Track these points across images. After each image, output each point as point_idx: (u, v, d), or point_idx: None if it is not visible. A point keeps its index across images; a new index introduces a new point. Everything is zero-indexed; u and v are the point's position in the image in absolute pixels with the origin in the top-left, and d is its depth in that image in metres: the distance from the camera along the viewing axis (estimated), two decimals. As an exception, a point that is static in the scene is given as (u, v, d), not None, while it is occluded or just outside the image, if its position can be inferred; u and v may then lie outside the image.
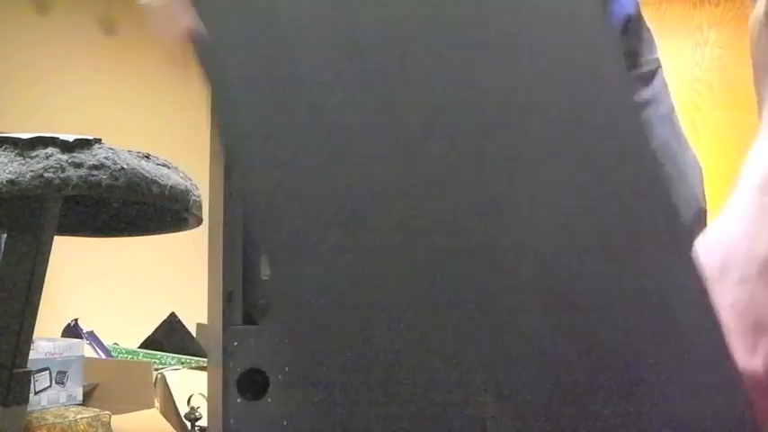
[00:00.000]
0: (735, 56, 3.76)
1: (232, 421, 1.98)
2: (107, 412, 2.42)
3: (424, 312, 0.60)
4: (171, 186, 1.59)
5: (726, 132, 3.71)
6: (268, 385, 2.02)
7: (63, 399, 2.42)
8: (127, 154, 1.53)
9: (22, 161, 1.38)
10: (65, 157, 1.41)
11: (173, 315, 3.94)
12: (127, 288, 4.25)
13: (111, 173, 1.45)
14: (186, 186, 1.67)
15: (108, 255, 3.91)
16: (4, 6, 3.99)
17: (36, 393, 2.31)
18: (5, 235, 1.68)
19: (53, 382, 2.39)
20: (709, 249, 0.72)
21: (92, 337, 3.43)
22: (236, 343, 2.01)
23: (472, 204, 0.60)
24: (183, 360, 3.48)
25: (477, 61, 0.61)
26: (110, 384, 2.72)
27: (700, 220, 1.30)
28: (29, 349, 1.73)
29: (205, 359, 3.16)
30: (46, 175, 1.38)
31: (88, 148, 1.45)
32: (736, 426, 0.64)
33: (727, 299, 0.72)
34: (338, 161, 0.59)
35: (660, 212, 0.62)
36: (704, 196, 1.40)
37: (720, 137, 3.71)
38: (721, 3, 3.81)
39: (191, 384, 2.94)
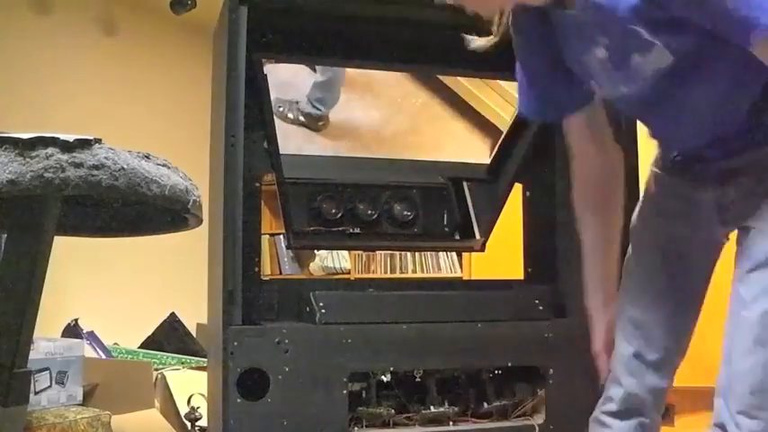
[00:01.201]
0: (735, 56, 3.74)
1: (232, 421, 1.99)
2: (107, 412, 2.42)
3: None
4: (171, 186, 1.59)
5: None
6: (268, 385, 2.02)
7: (63, 399, 2.42)
8: (127, 154, 1.53)
9: (23, 161, 1.38)
10: (65, 157, 1.40)
11: (173, 315, 3.94)
12: (127, 288, 4.24)
13: (111, 173, 1.45)
14: (186, 186, 1.67)
15: (108, 255, 3.90)
16: (4, 7, 3.98)
17: (36, 393, 2.31)
18: (5, 235, 1.68)
19: (53, 382, 2.39)
20: None
21: (92, 337, 3.43)
22: (236, 343, 2.01)
23: None
24: (183, 360, 3.48)
25: None
26: (110, 384, 2.72)
27: None
28: (29, 349, 1.73)
29: (205, 359, 3.16)
30: (46, 175, 1.38)
31: (88, 148, 1.45)
32: None
33: None
34: None
35: None
36: None
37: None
38: (721, 3, 3.80)
39: (191, 384, 2.94)
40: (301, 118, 2.57)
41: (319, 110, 2.58)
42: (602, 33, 1.22)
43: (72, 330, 3.41)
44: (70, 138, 1.43)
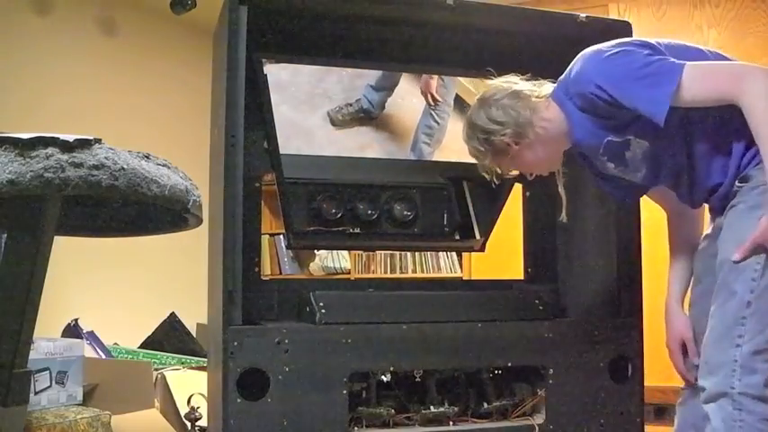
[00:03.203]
0: (735, 56, 3.73)
1: (232, 421, 1.98)
2: (107, 412, 2.42)
3: None
4: (171, 186, 1.59)
5: (726, 132, 3.70)
6: (268, 385, 2.02)
7: (63, 399, 2.42)
8: (127, 154, 1.53)
9: (22, 161, 1.38)
10: (65, 157, 1.41)
11: (173, 315, 3.93)
12: (127, 288, 4.24)
13: (111, 173, 1.45)
14: (186, 186, 1.67)
15: (108, 255, 3.90)
16: (4, 7, 3.98)
17: (36, 393, 2.31)
18: (5, 235, 1.68)
19: (53, 382, 2.39)
20: None
21: (92, 337, 3.43)
22: (236, 343, 2.01)
23: None
24: (183, 360, 3.48)
25: None
26: (110, 384, 2.72)
27: None
28: (29, 349, 1.73)
29: (205, 359, 3.16)
30: (46, 175, 1.38)
31: (88, 148, 1.45)
32: None
33: None
34: None
35: None
36: None
37: (720, 137, 3.68)
38: (721, 3, 3.80)
39: (191, 384, 2.94)
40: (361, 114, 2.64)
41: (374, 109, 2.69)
42: (598, 155, 1.82)
43: (72, 330, 3.41)
44: (70, 138, 1.43)
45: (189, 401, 2.78)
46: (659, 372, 2.75)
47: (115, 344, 3.63)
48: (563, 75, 1.83)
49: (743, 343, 1.55)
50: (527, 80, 1.88)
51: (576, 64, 1.77)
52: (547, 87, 1.85)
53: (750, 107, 1.53)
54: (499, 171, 1.90)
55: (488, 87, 1.90)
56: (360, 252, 5.09)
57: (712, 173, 1.70)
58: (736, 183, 1.67)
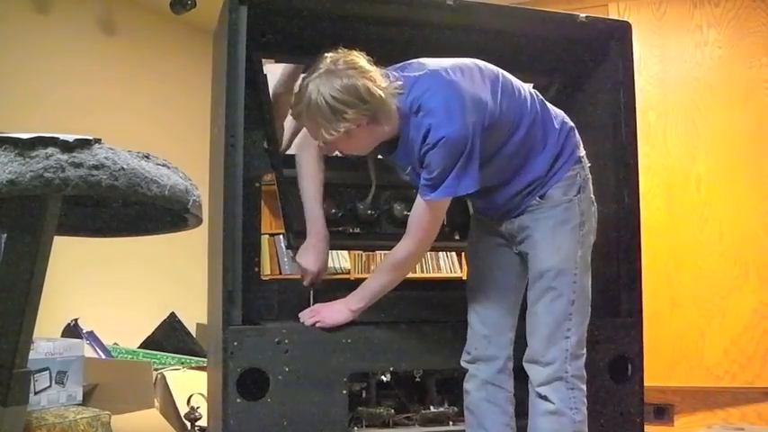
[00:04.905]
0: (735, 56, 3.75)
1: (232, 421, 1.98)
2: (107, 412, 2.42)
3: None
4: (171, 186, 1.59)
5: (726, 132, 3.70)
6: (268, 385, 2.02)
7: (63, 399, 2.42)
8: (127, 154, 1.53)
9: (22, 161, 1.38)
10: (65, 157, 1.41)
11: (173, 315, 3.93)
12: (127, 288, 4.24)
13: (111, 173, 1.45)
14: (186, 186, 1.67)
15: (108, 255, 3.90)
16: (4, 5, 3.97)
17: (36, 393, 2.31)
18: (5, 235, 1.68)
19: (53, 382, 2.39)
20: None
21: (92, 337, 3.43)
22: (236, 343, 2.01)
23: None
24: (183, 360, 3.48)
25: None
26: (110, 384, 2.72)
27: None
28: (29, 349, 1.73)
29: (205, 359, 3.16)
30: (46, 175, 1.38)
31: (88, 148, 1.45)
32: None
33: None
34: None
35: None
36: None
37: (720, 136, 3.69)
38: (721, 3, 3.80)
39: (191, 384, 2.94)
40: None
41: None
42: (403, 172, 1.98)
43: (72, 330, 3.41)
44: (70, 138, 1.43)
45: (189, 401, 2.79)
46: (659, 372, 2.75)
47: (115, 344, 3.63)
48: (411, 95, 1.87)
49: (571, 335, 1.88)
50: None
51: (429, 115, 1.84)
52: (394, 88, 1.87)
53: (401, 246, 1.94)
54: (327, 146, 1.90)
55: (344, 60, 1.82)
56: (360, 252, 5.09)
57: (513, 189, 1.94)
58: (537, 198, 1.92)
